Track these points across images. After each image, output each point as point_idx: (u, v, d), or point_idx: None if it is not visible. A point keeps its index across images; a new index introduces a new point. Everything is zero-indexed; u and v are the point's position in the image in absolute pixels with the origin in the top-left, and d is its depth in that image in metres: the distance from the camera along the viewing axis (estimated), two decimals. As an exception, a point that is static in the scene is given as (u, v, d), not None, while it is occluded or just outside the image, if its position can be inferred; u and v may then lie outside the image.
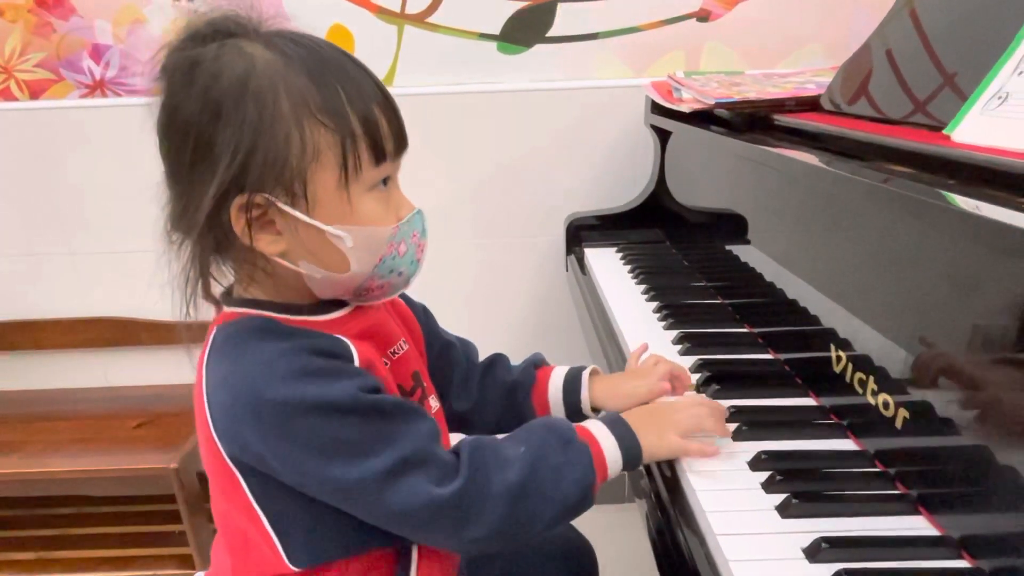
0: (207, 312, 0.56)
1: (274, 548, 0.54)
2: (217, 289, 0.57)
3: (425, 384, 0.64)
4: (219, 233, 0.51)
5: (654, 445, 0.59)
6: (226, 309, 0.56)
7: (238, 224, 0.50)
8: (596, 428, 0.59)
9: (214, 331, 0.55)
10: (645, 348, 0.77)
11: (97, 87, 1.33)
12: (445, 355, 0.73)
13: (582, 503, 0.55)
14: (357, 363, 0.54)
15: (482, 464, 0.53)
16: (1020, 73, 0.56)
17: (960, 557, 0.46)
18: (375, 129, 0.52)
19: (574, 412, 0.72)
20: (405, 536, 0.54)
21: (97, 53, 1.31)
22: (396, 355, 0.61)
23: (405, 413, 0.53)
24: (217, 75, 0.49)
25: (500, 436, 0.58)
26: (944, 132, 0.60)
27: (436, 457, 0.52)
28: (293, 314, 0.55)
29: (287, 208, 0.50)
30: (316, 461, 0.50)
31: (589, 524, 0.82)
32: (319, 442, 0.50)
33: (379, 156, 0.52)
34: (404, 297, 0.69)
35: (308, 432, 0.49)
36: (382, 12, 1.28)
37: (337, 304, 0.58)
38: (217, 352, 0.53)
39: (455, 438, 0.69)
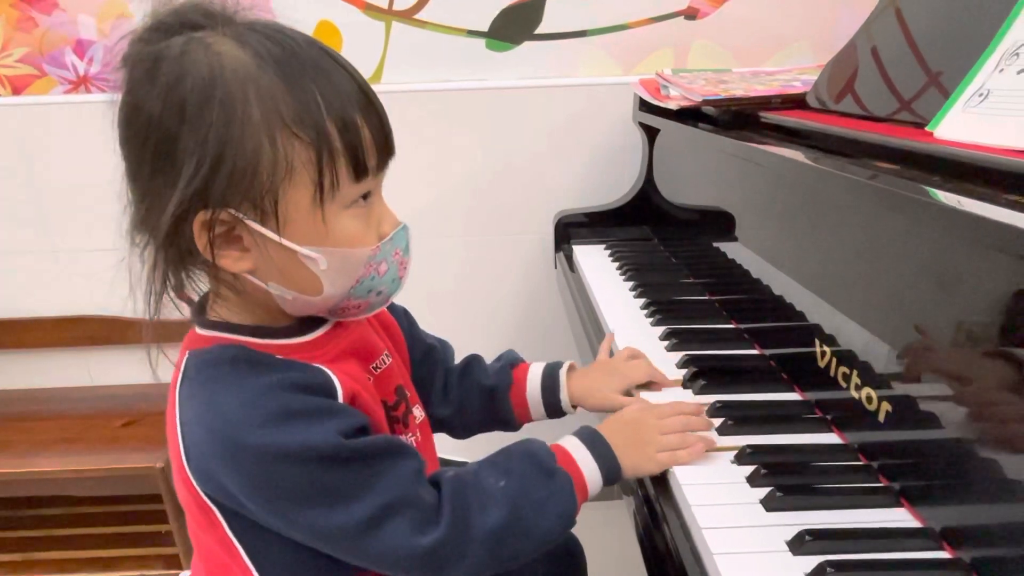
0: (175, 311, 0.53)
1: None
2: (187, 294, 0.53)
3: (408, 395, 0.63)
4: (182, 245, 0.47)
5: (636, 465, 0.58)
6: (197, 331, 0.53)
7: (200, 241, 0.47)
8: (577, 451, 0.57)
9: (186, 357, 0.52)
10: (611, 338, 0.76)
11: (81, 83, 1.31)
12: (428, 359, 0.72)
13: (564, 532, 0.55)
14: (340, 396, 0.51)
15: (463, 509, 0.51)
16: (1001, 71, 0.56)
17: (941, 548, 0.47)
18: (356, 141, 0.47)
19: (553, 410, 0.72)
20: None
21: (81, 48, 1.29)
22: (379, 370, 0.59)
23: (388, 455, 0.51)
24: (181, 75, 0.44)
25: (479, 461, 0.57)
26: (927, 129, 0.60)
27: (418, 501, 0.51)
28: (269, 338, 0.52)
29: (256, 226, 0.47)
30: (294, 508, 0.48)
31: (578, 521, 0.82)
32: (299, 489, 0.48)
33: (360, 172, 0.48)
34: None
35: (288, 479, 0.47)
36: (370, 8, 1.28)
37: (315, 322, 0.55)
38: (191, 383, 0.50)
39: (438, 439, 0.69)
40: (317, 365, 0.52)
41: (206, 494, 0.50)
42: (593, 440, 0.58)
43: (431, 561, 0.50)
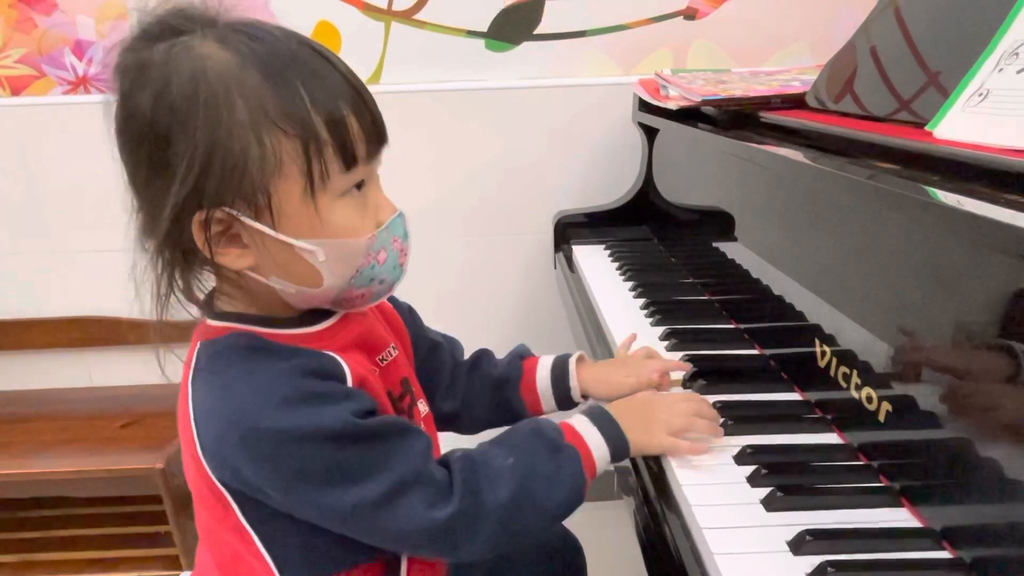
0: (180, 312, 0.54)
1: (266, 566, 0.53)
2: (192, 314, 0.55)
3: (414, 389, 0.63)
4: (184, 246, 0.49)
5: (642, 441, 0.58)
6: (208, 322, 0.54)
7: (199, 240, 0.48)
8: (583, 426, 0.58)
9: (197, 348, 0.53)
10: (634, 338, 0.77)
11: (80, 83, 1.31)
12: (432, 356, 0.72)
13: (573, 506, 0.56)
14: (350, 382, 0.52)
15: (474, 484, 0.52)
16: (1000, 70, 0.56)
17: (942, 548, 0.47)
18: (343, 132, 0.48)
19: (564, 400, 0.72)
20: (399, 552, 0.54)
21: (80, 49, 1.29)
22: (385, 361, 0.60)
23: (399, 434, 0.52)
24: (167, 81, 0.46)
25: (487, 441, 0.58)
26: (926, 129, 0.60)
27: (430, 477, 0.52)
28: (279, 327, 0.53)
29: (251, 222, 0.48)
30: (310, 489, 0.49)
31: (577, 521, 0.81)
32: (313, 470, 0.49)
33: (349, 161, 0.49)
34: (390, 298, 0.69)
35: (302, 460, 0.48)
36: (369, 9, 1.28)
37: (323, 314, 0.56)
38: (203, 373, 0.51)
39: (443, 437, 0.69)
40: (327, 352, 0.53)
41: (221, 481, 0.51)
42: (600, 417, 0.59)
43: (445, 536, 0.51)
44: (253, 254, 0.50)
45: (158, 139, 0.46)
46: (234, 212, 0.47)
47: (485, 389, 0.72)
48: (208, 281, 0.55)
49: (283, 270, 0.50)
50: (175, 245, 0.49)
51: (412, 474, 0.50)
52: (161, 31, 0.48)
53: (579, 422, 0.59)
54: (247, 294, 0.54)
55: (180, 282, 0.52)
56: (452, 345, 0.75)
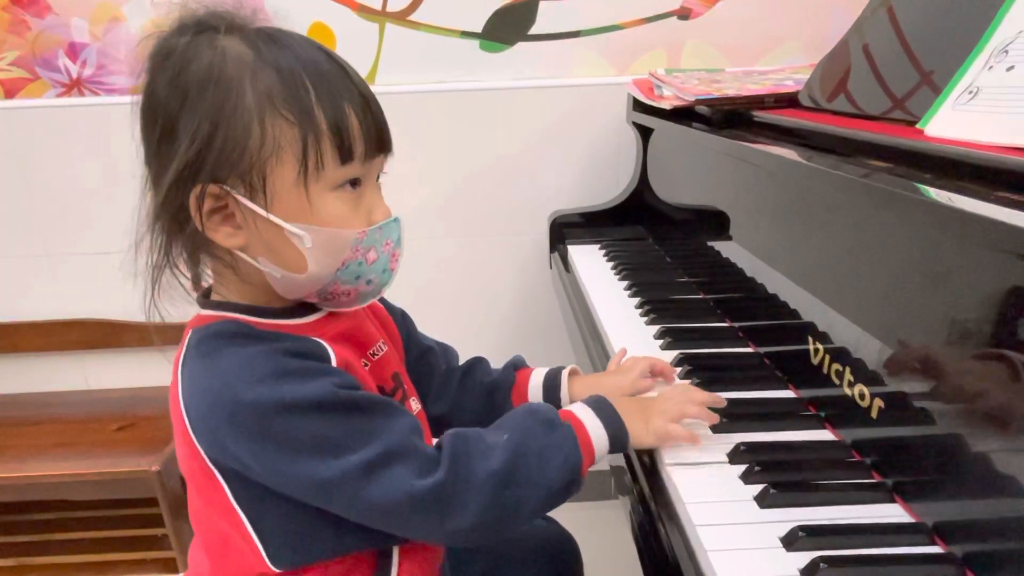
0: (179, 313, 0.56)
1: (255, 549, 0.53)
2: (185, 288, 0.56)
3: (406, 385, 0.64)
4: (183, 222, 0.51)
5: (640, 428, 0.59)
6: (201, 312, 0.56)
7: (194, 211, 0.50)
8: (580, 410, 0.59)
9: (189, 333, 0.54)
10: (624, 352, 0.77)
11: (74, 86, 1.31)
12: (424, 360, 0.72)
13: (570, 486, 0.55)
14: (334, 363, 0.53)
15: (464, 454, 0.52)
16: (990, 68, 0.57)
17: (933, 543, 0.47)
18: (343, 127, 0.50)
19: None
20: (388, 531, 0.54)
21: (74, 51, 1.29)
22: (376, 356, 0.61)
23: (384, 408, 0.53)
24: (187, 63, 0.49)
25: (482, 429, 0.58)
26: (917, 126, 0.60)
27: (417, 450, 0.52)
28: (267, 317, 0.55)
29: (244, 200, 0.50)
30: (295, 459, 0.49)
31: (574, 520, 0.82)
32: (298, 440, 0.49)
33: (345, 156, 0.51)
34: (383, 301, 0.69)
35: (286, 431, 0.49)
36: (363, 10, 1.28)
37: (313, 308, 0.57)
38: (192, 355, 0.53)
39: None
40: (312, 337, 0.54)
41: (210, 459, 0.52)
42: (598, 404, 0.59)
43: (431, 505, 0.51)
44: (244, 235, 0.52)
45: (170, 114, 0.49)
46: (229, 188, 0.50)
47: (477, 395, 0.72)
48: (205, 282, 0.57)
49: (271, 252, 0.52)
50: (173, 218, 0.51)
51: (398, 445, 0.51)
52: (194, 26, 0.51)
53: (577, 407, 0.59)
54: (239, 282, 0.55)
55: (189, 273, 0.55)
56: (445, 351, 0.76)
